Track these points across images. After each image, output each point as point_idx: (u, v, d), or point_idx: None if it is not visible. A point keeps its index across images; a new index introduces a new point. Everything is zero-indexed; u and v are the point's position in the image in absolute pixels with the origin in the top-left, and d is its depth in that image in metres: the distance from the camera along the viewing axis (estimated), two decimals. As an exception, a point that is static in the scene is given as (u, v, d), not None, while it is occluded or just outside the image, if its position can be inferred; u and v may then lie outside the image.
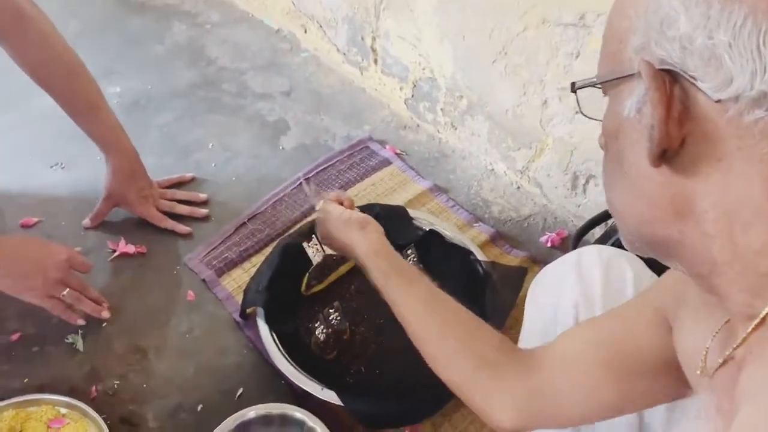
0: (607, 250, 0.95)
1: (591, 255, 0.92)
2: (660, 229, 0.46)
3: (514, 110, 1.34)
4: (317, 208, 1.08)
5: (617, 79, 0.45)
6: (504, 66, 1.30)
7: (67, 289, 1.08)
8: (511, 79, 1.30)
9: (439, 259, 1.25)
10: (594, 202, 1.32)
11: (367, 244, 0.90)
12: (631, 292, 0.85)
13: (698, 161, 0.41)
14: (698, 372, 0.51)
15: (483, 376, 0.71)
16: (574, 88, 0.51)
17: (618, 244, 1.07)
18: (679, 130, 0.41)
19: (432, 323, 0.78)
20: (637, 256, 0.97)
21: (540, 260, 1.31)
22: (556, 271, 0.96)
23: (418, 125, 1.62)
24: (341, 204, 1.02)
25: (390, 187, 1.46)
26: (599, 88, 0.49)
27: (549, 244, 1.35)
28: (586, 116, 0.53)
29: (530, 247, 1.35)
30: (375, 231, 0.93)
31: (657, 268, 0.94)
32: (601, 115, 0.50)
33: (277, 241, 1.28)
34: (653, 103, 0.41)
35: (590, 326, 0.71)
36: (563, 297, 0.90)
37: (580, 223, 1.37)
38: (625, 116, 0.44)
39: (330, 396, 1.03)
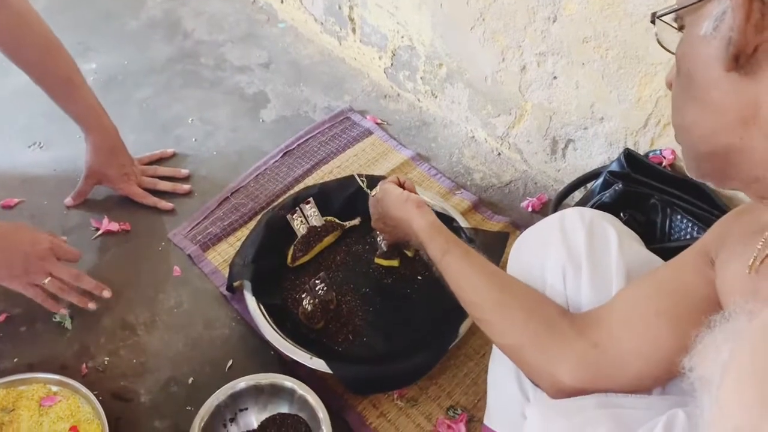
0: (588, 212, 0.96)
1: (573, 217, 0.94)
2: (724, 137, 0.52)
3: (493, 77, 1.34)
4: (371, 193, 1.12)
5: (700, 1, 0.51)
6: (482, 32, 1.30)
7: (48, 278, 1.07)
8: (490, 46, 1.30)
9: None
10: (573, 166, 1.33)
11: (426, 220, 0.96)
12: (615, 252, 0.86)
13: (766, 67, 0.48)
14: (746, 272, 0.57)
15: (545, 339, 0.74)
16: (654, 18, 0.57)
17: (599, 207, 1.09)
18: (755, 36, 0.47)
19: (491, 291, 0.81)
20: (619, 218, 1.00)
21: (521, 225, 1.33)
22: (539, 234, 0.97)
23: (398, 94, 1.61)
24: (401, 186, 1.07)
25: (372, 157, 1.46)
26: (677, 15, 0.55)
27: (530, 209, 1.36)
28: (663, 47, 0.58)
29: (512, 213, 1.36)
30: (430, 212, 0.98)
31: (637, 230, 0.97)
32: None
33: (261, 214, 1.28)
34: (735, 9, 0.47)
35: (642, 281, 0.74)
36: (549, 259, 0.91)
37: (560, 188, 1.39)
38: (702, 35, 0.51)
39: (319, 364, 1.05)
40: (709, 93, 0.52)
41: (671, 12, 0.55)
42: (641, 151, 1.18)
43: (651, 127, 1.15)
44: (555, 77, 1.23)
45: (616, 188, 1.08)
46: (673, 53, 0.56)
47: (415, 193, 1.06)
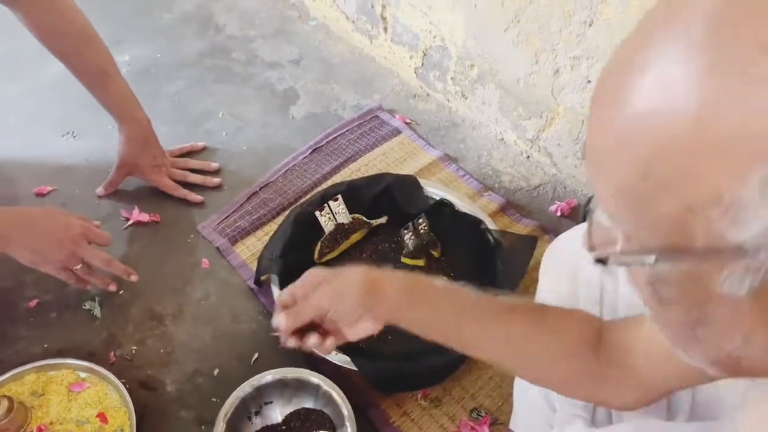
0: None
1: None
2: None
3: (525, 79, 1.34)
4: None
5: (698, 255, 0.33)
6: (516, 34, 1.29)
7: (81, 264, 1.08)
8: (523, 48, 1.30)
9: (450, 227, 1.26)
10: (604, 171, 1.32)
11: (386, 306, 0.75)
12: None
13: None
14: None
15: (585, 379, 0.68)
16: (602, 261, 0.38)
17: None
18: None
19: (506, 352, 0.72)
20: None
21: (550, 229, 1.32)
22: (572, 240, 0.97)
23: (427, 94, 1.61)
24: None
25: (400, 156, 1.46)
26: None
27: (558, 213, 1.35)
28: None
29: (540, 217, 1.35)
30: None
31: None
32: None
33: (290, 210, 1.29)
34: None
35: None
36: (583, 267, 0.90)
37: (590, 193, 1.38)
38: (718, 291, 0.33)
39: (344, 360, 1.05)
40: (734, 318, 0.36)
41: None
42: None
43: (685, 134, 1.14)
44: (589, 81, 1.22)
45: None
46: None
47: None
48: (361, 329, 0.78)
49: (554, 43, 1.24)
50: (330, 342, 0.77)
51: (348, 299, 0.73)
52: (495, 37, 1.34)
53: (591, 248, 0.39)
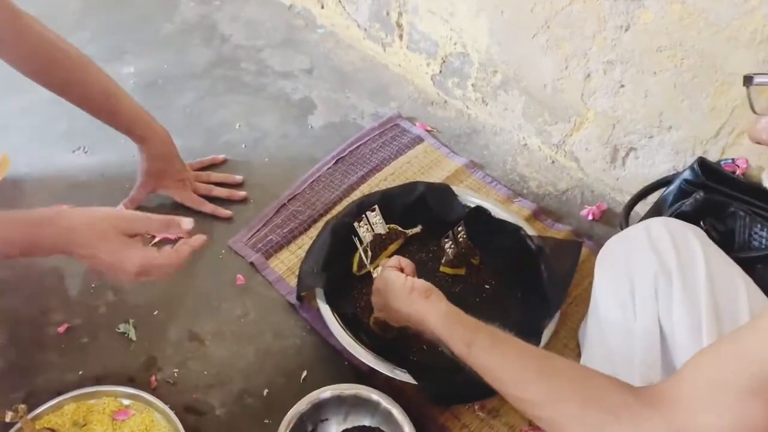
0: (672, 222, 0.97)
1: (659, 227, 0.94)
2: None
3: (553, 84, 1.34)
4: (374, 274, 1.02)
5: None
6: (545, 40, 1.29)
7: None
8: (553, 53, 1.30)
9: (488, 235, 1.25)
10: (633, 174, 1.33)
11: (438, 312, 0.85)
12: (702, 266, 0.86)
13: None
14: None
15: (619, 428, 0.62)
16: (749, 83, 0.46)
17: (678, 216, 1.09)
18: None
19: (538, 383, 0.70)
20: (700, 227, 1.00)
21: (582, 234, 1.32)
22: (625, 244, 0.97)
23: (445, 101, 1.60)
24: (401, 270, 0.97)
25: (425, 164, 1.45)
26: None
27: (590, 218, 1.36)
28: (756, 113, 0.48)
29: (571, 221, 1.35)
30: (440, 298, 0.89)
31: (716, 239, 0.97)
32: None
33: (325, 221, 1.26)
34: None
35: (722, 348, 0.61)
36: (639, 268, 0.91)
37: (618, 197, 1.39)
38: None
39: (401, 375, 1.02)
40: None
41: None
42: (711, 159, 1.18)
43: (723, 136, 1.15)
44: (622, 85, 1.23)
45: (697, 197, 1.08)
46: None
47: (416, 275, 0.96)
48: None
49: (586, 48, 1.24)
50: None
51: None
52: (522, 43, 1.34)
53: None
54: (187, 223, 0.92)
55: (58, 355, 1.09)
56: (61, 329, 1.12)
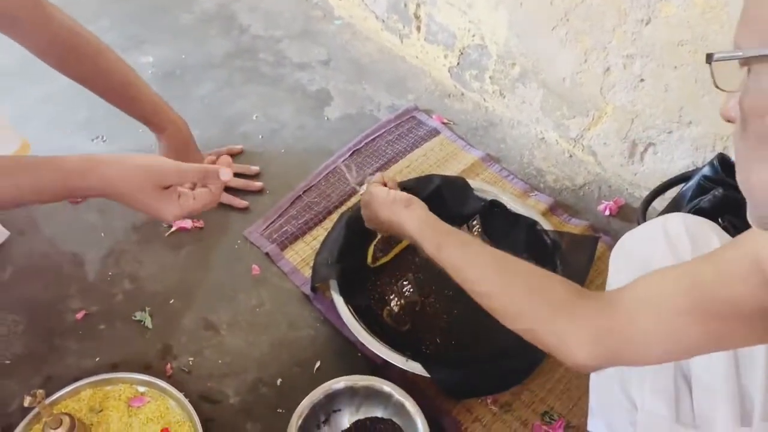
0: (690, 218, 0.95)
1: (676, 223, 0.93)
2: None
3: (572, 78, 1.33)
4: (360, 191, 1.10)
5: None
6: (565, 33, 1.28)
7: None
8: (572, 46, 1.29)
9: (504, 229, 1.25)
10: (652, 170, 1.32)
11: (415, 218, 0.93)
12: None
13: None
14: None
15: (557, 319, 0.71)
16: (710, 60, 0.47)
17: (696, 212, 1.08)
18: None
19: (495, 277, 0.79)
20: (718, 224, 0.99)
21: (599, 229, 1.31)
22: (641, 239, 0.96)
23: (462, 94, 1.60)
24: (384, 185, 1.04)
25: (441, 157, 1.44)
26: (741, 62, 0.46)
27: (607, 213, 1.35)
28: (721, 89, 0.49)
29: (588, 216, 1.35)
30: (420, 207, 0.95)
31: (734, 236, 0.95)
32: (734, 85, 0.47)
33: (340, 213, 1.26)
34: None
35: (675, 271, 0.68)
36: (654, 264, 0.90)
37: (636, 192, 1.38)
38: None
39: (414, 367, 1.03)
40: None
41: (733, 58, 0.45)
42: (731, 156, 1.16)
43: (744, 131, 1.14)
44: (642, 80, 1.22)
45: (716, 194, 1.07)
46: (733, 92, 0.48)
47: (398, 189, 1.05)
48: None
49: (606, 41, 1.23)
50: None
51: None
52: (541, 36, 1.33)
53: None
54: (224, 173, 0.90)
55: (75, 342, 1.10)
56: (79, 316, 1.13)
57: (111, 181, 0.84)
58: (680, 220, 0.94)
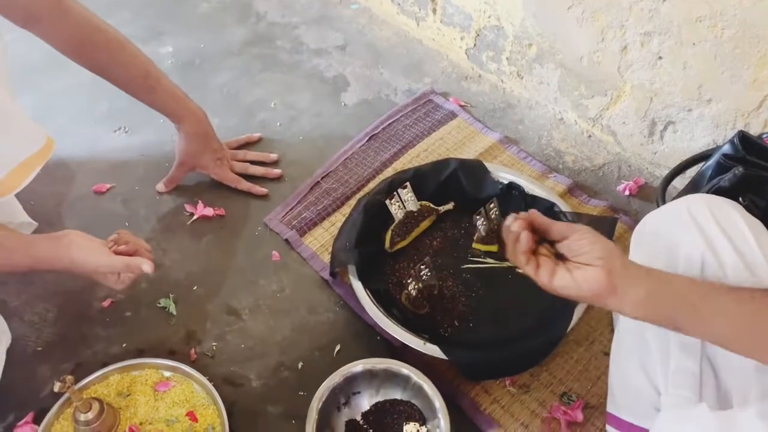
0: (713, 199, 0.93)
1: (701, 205, 0.90)
2: None
3: (589, 57, 1.31)
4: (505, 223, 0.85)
5: None
6: (581, 11, 1.27)
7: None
8: (588, 25, 1.27)
9: (521, 211, 1.24)
10: (672, 148, 1.30)
11: (632, 305, 0.75)
12: (753, 241, 0.83)
13: None
14: None
15: None
16: None
17: (716, 192, 1.06)
18: None
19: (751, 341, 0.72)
20: (739, 202, 0.97)
21: (619, 209, 1.30)
22: (665, 222, 0.94)
23: (479, 75, 1.59)
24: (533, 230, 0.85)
25: (459, 140, 1.44)
26: None
27: (627, 193, 1.34)
28: None
29: (608, 196, 1.34)
30: (625, 286, 0.75)
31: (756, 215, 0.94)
32: None
33: (357, 199, 1.27)
34: None
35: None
36: (682, 245, 0.88)
37: (656, 171, 1.36)
38: None
39: (433, 350, 1.04)
40: None
41: None
42: (753, 133, 1.14)
43: (765, 108, 1.12)
44: (660, 57, 1.20)
45: (736, 172, 1.05)
46: None
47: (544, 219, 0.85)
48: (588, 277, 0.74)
49: (623, 19, 1.21)
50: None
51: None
52: (557, 15, 1.32)
53: None
54: (147, 267, 1.01)
55: (103, 329, 1.14)
56: (106, 303, 1.17)
57: (75, 264, 0.98)
58: (704, 202, 0.91)
